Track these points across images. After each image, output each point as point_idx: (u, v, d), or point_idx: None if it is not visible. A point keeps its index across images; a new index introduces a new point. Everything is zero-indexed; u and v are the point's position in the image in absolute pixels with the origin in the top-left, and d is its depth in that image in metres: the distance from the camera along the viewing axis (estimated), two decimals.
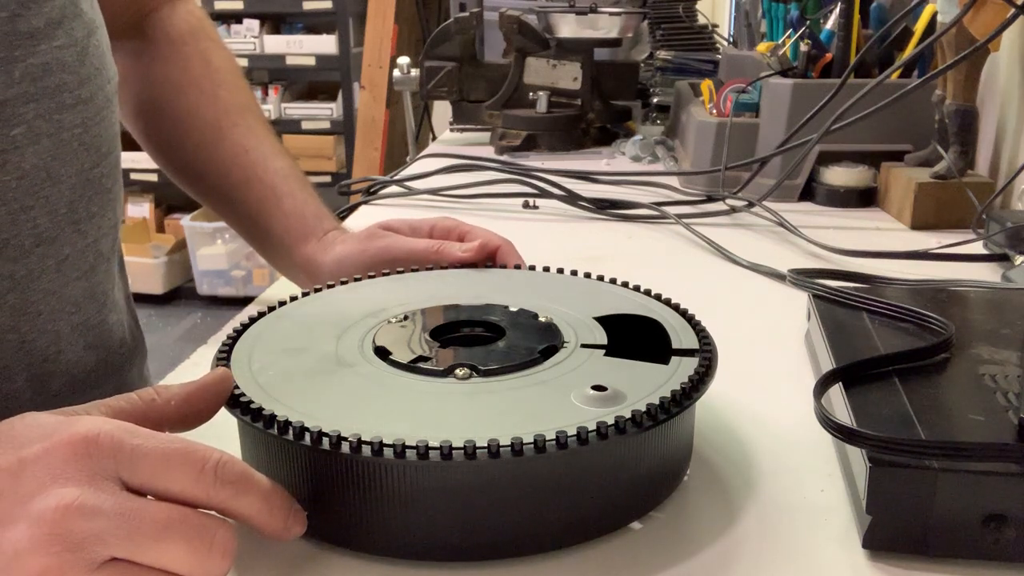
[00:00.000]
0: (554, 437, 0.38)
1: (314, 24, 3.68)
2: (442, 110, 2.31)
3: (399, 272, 0.60)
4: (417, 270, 0.61)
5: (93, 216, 0.57)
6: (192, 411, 0.42)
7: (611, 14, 1.38)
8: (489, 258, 0.64)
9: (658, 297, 0.55)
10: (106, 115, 0.57)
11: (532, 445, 0.38)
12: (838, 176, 1.04)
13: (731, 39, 1.65)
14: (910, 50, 1.01)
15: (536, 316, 0.52)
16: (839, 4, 1.07)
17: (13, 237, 0.51)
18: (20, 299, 0.52)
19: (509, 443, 0.38)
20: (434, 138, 2.00)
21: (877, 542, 0.41)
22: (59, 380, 0.55)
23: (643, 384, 0.43)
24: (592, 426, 0.39)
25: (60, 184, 0.53)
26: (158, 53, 0.75)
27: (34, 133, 0.51)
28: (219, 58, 0.77)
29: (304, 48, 3.59)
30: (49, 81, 0.52)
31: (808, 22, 1.11)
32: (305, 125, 3.69)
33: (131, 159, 3.66)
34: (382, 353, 0.47)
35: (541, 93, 1.37)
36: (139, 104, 0.76)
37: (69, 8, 0.54)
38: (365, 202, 1.10)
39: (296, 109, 3.72)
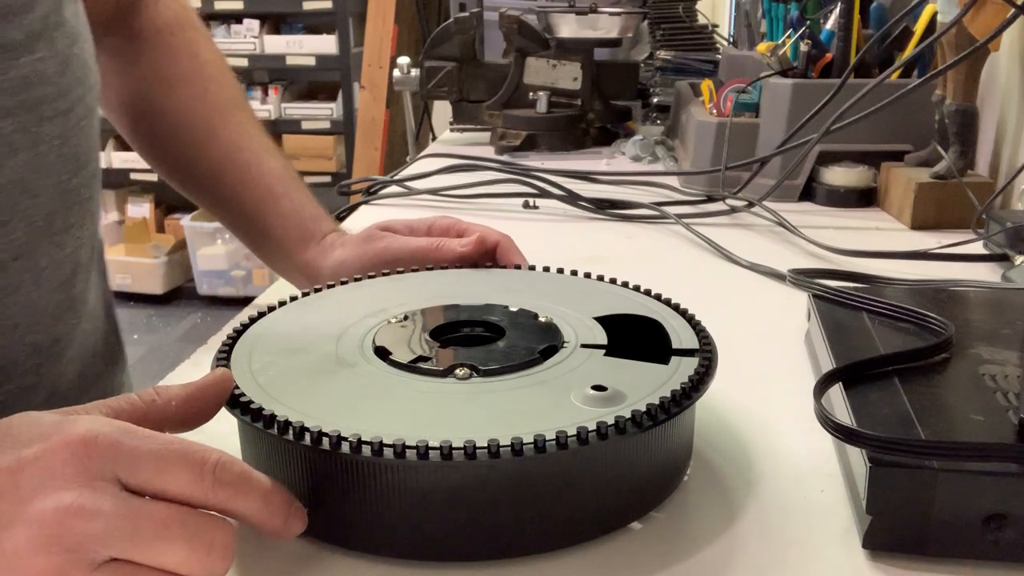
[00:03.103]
0: (554, 437, 0.38)
1: (314, 24, 3.68)
2: (442, 110, 2.31)
3: (399, 272, 0.60)
4: (417, 270, 0.61)
5: (71, 227, 0.55)
6: (192, 412, 0.42)
7: (611, 14, 1.38)
8: (489, 256, 0.64)
9: (658, 297, 0.55)
10: (86, 125, 0.56)
11: (532, 445, 0.38)
12: (838, 176, 1.04)
13: (731, 39, 1.65)
14: (910, 50, 1.01)
15: (536, 316, 0.52)
16: (839, 4, 1.07)
17: None
18: None
19: (509, 443, 0.38)
20: (434, 138, 2.01)
21: (877, 542, 0.41)
22: (42, 393, 0.54)
23: (643, 384, 0.43)
24: (592, 426, 0.39)
25: (38, 197, 0.52)
26: (143, 46, 0.73)
27: (12, 147, 0.50)
28: (206, 50, 0.75)
29: (304, 48, 3.59)
30: (28, 94, 0.50)
31: (808, 22, 1.11)
32: (305, 125, 3.69)
33: (131, 159, 3.67)
34: (382, 353, 0.47)
35: (541, 93, 1.37)
36: (125, 101, 0.74)
37: (52, 18, 0.52)
38: (365, 202, 1.10)
39: (296, 109, 3.72)
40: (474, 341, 0.50)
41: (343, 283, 0.58)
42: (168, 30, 0.74)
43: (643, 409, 0.40)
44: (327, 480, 0.40)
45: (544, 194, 1.05)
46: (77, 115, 0.55)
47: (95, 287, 0.63)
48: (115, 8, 0.72)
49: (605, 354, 0.47)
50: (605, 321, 0.51)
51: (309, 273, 0.69)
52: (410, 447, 0.37)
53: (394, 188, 1.14)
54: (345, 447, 0.38)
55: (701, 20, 1.55)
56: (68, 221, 0.55)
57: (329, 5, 3.48)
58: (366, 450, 0.38)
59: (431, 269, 0.62)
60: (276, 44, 3.62)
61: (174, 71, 0.73)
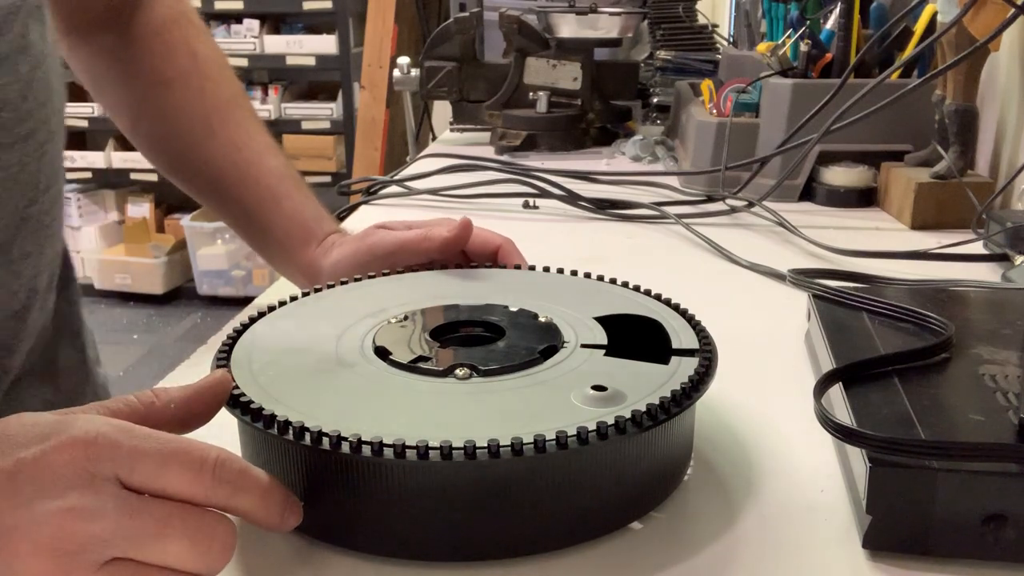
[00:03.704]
0: (554, 437, 0.38)
1: (314, 24, 3.68)
2: (442, 110, 2.30)
3: (399, 272, 0.60)
4: (417, 270, 0.61)
5: (29, 255, 0.54)
6: (191, 414, 0.42)
7: (611, 14, 1.38)
8: (490, 259, 0.64)
9: (658, 297, 0.55)
10: (48, 148, 0.55)
11: (532, 445, 0.38)
12: (838, 176, 1.04)
13: (731, 39, 1.65)
14: (910, 50, 1.01)
15: (536, 316, 0.52)
16: (839, 4, 1.07)
17: None
18: None
19: (509, 443, 0.38)
20: (434, 138, 2.01)
21: (877, 542, 0.41)
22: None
23: (643, 384, 0.43)
24: (592, 426, 0.39)
25: None
26: (141, 45, 0.72)
27: None
28: (205, 47, 0.74)
29: (304, 48, 3.59)
30: None
31: (808, 22, 1.11)
32: (305, 125, 3.69)
33: (131, 159, 3.68)
34: (382, 353, 0.47)
35: (541, 93, 1.37)
36: (123, 101, 0.74)
37: (16, 42, 0.51)
38: (365, 202, 1.10)
39: (296, 109, 3.72)
40: (474, 341, 0.50)
41: (343, 283, 0.58)
42: (164, 28, 0.73)
43: (643, 409, 0.40)
44: (327, 480, 0.40)
45: (544, 194, 1.05)
46: (38, 140, 0.54)
47: (55, 310, 0.61)
48: (105, 8, 0.71)
49: (605, 354, 0.47)
50: (605, 321, 0.51)
51: (311, 273, 0.69)
52: (410, 447, 0.37)
53: (394, 188, 1.14)
54: (345, 447, 0.38)
55: (701, 20, 1.55)
56: (25, 249, 0.54)
57: (329, 5, 3.48)
58: (366, 450, 0.38)
59: (431, 269, 0.62)
60: (276, 44, 3.62)
61: (171, 70, 0.72)
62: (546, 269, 0.61)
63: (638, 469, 0.42)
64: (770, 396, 0.57)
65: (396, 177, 1.18)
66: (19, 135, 0.52)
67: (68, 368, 0.66)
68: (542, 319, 0.51)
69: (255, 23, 3.60)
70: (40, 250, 0.56)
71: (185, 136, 0.72)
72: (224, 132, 0.71)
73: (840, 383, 0.47)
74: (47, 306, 0.60)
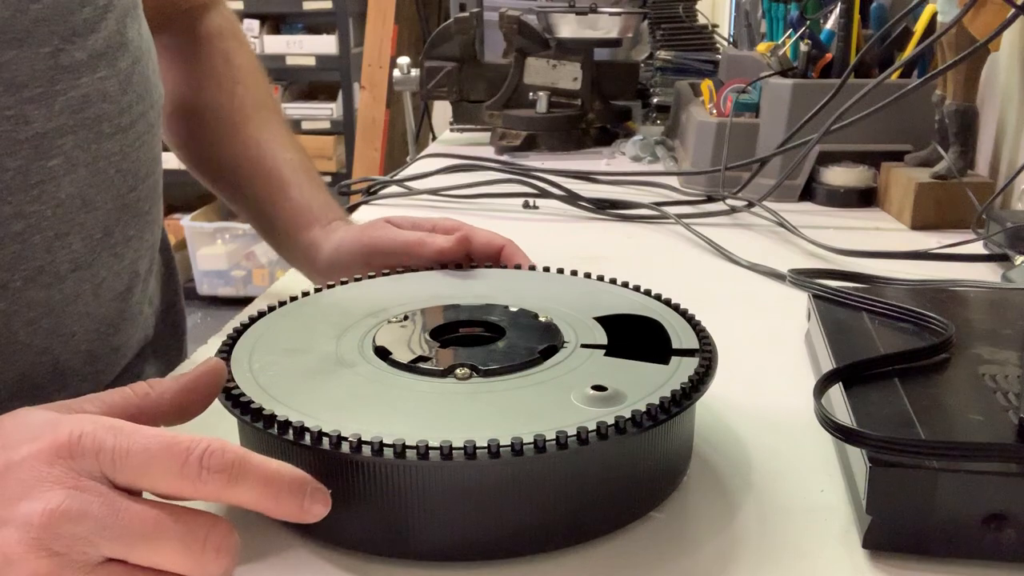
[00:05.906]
0: (554, 437, 0.38)
1: (314, 24, 3.68)
2: (442, 110, 2.30)
3: (399, 272, 0.60)
4: (417, 270, 0.61)
5: (130, 239, 0.57)
6: (187, 403, 0.42)
7: (611, 14, 1.38)
8: (493, 259, 0.64)
9: (658, 297, 0.55)
10: (147, 139, 0.58)
11: (532, 445, 0.38)
12: (838, 176, 1.04)
13: (731, 39, 1.65)
14: (910, 50, 1.01)
15: (536, 316, 0.52)
16: (839, 4, 1.07)
17: (48, 264, 0.51)
18: (55, 323, 0.52)
19: (509, 443, 0.38)
20: (434, 138, 2.00)
21: (877, 542, 0.41)
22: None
23: (643, 384, 0.43)
24: (592, 426, 0.39)
25: (96, 210, 0.53)
26: (182, 50, 0.76)
27: (71, 163, 0.51)
28: (241, 57, 0.79)
29: (304, 48, 3.59)
30: (89, 112, 0.52)
31: (808, 22, 1.11)
32: (305, 125, 3.68)
33: None
34: (382, 353, 0.47)
35: (541, 93, 1.37)
36: (166, 97, 0.77)
37: (115, 39, 0.54)
38: (365, 202, 1.10)
39: (296, 109, 3.72)
40: (474, 341, 0.50)
41: (343, 283, 0.58)
42: (208, 39, 0.78)
43: (643, 409, 0.40)
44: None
45: (544, 194, 1.05)
46: (137, 131, 0.56)
47: (154, 294, 0.64)
48: (160, 17, 0.75)
49: (605, 354, 0.47)
50: (605, 321, 0.51)
51: (310, 254, 0.70)
52: (410, 447, 0.37)
53: (394, 188, 1.14)
54: (345, 447, 0.38)
55: (701, 20, 1.54)
56: (127, 233, 0.57)
57: (329, 5, 3.48)
58: (366, 450, 0.38)
59: (431, 269, 0.62)
60: (276, 44, 3.61)
61: (205, 73, 0.77)
62: (546, 269, 0.61)
63: (638, 469, 0.42)
64: (770, 396, 0.57)
65: (396, 177, 1.18)
66: (119, 126, 0.55)
67: (171, 352, 0.70)
68: (542, 319, 0.51)
69: (255, 23, 3.60)
70: (140, 235, 0.59)
71: (211, 132, 0.75)
72: (247, 129, 0.75)
73: (840, 383, 0.47)
74: (146, 291, 0.63)
